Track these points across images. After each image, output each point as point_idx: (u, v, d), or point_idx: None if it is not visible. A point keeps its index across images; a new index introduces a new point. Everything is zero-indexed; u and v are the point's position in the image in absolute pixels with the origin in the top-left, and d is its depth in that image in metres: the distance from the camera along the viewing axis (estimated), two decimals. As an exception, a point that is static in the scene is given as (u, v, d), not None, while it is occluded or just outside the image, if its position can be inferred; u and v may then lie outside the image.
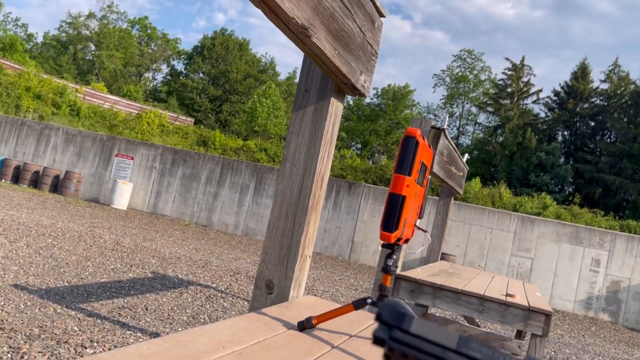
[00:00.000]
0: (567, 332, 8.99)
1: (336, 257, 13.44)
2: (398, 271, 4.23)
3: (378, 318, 0.43)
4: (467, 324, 5.86)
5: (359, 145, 36.12)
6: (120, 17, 42.44)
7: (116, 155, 15.32)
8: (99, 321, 4.35)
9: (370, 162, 26.53)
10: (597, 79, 31.56)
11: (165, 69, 43.03)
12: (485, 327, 7.35)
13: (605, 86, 30.94)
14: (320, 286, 8.50)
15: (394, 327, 0.42)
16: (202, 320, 5.08)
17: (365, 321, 1.96)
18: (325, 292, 8.10)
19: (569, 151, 31.26)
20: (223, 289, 6.73)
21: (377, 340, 0.42)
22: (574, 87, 30.80)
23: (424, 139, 1.54)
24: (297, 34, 1.52)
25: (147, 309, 5.04)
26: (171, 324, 4.75)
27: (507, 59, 36.35)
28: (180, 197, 14.74)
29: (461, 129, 36.81)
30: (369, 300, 1.62)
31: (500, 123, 31.82)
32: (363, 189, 13.76)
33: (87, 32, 40.12)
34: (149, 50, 42.11)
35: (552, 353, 6.84)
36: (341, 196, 13.81)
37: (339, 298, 7.81)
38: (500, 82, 33.46)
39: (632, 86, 29.97)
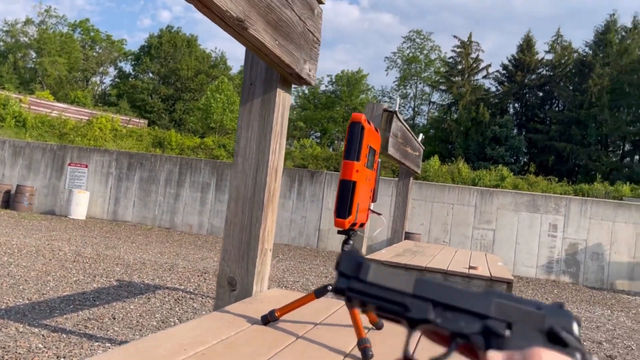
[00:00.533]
0: (531, 297, 9.32)
1: (304, 247, 13.48)
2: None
3: (337, 268, 0.44)
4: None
5: (318, 134, 36.16)
6: (60, 21, 40.89)
7: (69, 165, 14.86)
8: (65, 336, 4.24)
9: (331, 149, 26.61)
10: (541, 50, 32.42)
11: (112, 71, 41.83)
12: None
13: (550, 57, 31.91)
14: (290, 277, 8.52)
15: (352, 278, 0.43)
16: (173, 324, 5.02)
17: (330, 308, 1.97)
18: (296, 282, 8.13)
19: (521, 122, 32.17)
20: (192, 290, 6.65)
21: (337, 291, 0.44)
22: (520, 60, 31.63)
23: (369, 123, 1.55)
24: (233, 27, 1.50)
25: (114, 318, 4.94)
26: (140, 330, 4.67)
27: (455, 36, 37.03)
28: (140, 202, 14.43)
29: (416, 109, 37.32)
30: (330, 288, 1.63)
31: (453, 100, 32.41)
32: (325, 177, 13.80)
33: (26, 39, 38.50)
34: (94, 54, 40.79)
35: (519, 319, 7.08)
36: (304, 186, 13.82)
37: (310, 287, 7.85)
38: (450, 60, 34.02)
39: (575, 55, 31.01)
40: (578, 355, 0.37)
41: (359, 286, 0.43)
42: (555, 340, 0.38)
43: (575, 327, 0.39)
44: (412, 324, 0.41)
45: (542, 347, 0.37)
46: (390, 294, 0.42)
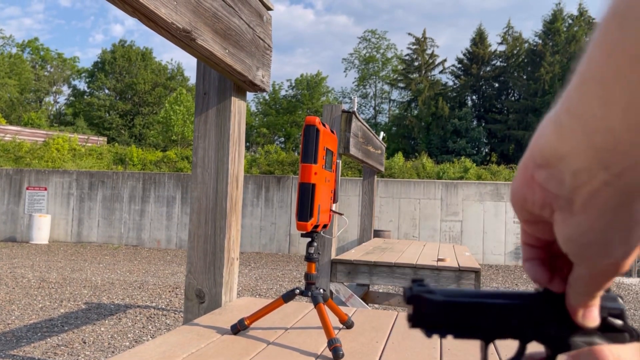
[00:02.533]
0: (501, 284, 9.52)
1: (276, 253, 13.43)
2: (333, 256, 4.29)
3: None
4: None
5: (282, 139, 36.12)
6: (8, 42, 39.71)
7: (27, 188, 14.41)
8: (33, 365, 4.12)
9: (296, 153, 26.60)
10: (494, 42, 33.36)
11: (66, 90, 40.80)
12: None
13: (502, 48, 32.74)
14: (263, 285, 8.47)
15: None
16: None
17: (300, 312, 1.98)
18: (269, 289, 8.09)
19: (479, 114, 32.88)
20: (164, 307, 6.55)
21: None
22: (474, 53, 32.34)
23: (324, 125, 1.57)
24: (180, 38, 1.50)
25: (84, 342, 4.82)
26: (113, 352, 4.57)
27: (409, 34, 37.55)
28: (105, 221, 14.11)
29: (377, 107, 37.69)
30: (297, 291, 1.64)
31: (412, 97, 32.88)
32: (292, 181, 13.79)
33: (-27, 63, 37.17)
34: (46, 73, 39.69)
35: (491, 306, 7.22)
36: (272, 192, 13.78)
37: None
38: (407, 57, 34.51)
39: (526, 45, 31.90)
40: (627, 335, 0.39)
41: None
42: (607, 328, 0.40)
43: (623, 309, 0.41)
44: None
45: (599, 338, 0.39)
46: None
